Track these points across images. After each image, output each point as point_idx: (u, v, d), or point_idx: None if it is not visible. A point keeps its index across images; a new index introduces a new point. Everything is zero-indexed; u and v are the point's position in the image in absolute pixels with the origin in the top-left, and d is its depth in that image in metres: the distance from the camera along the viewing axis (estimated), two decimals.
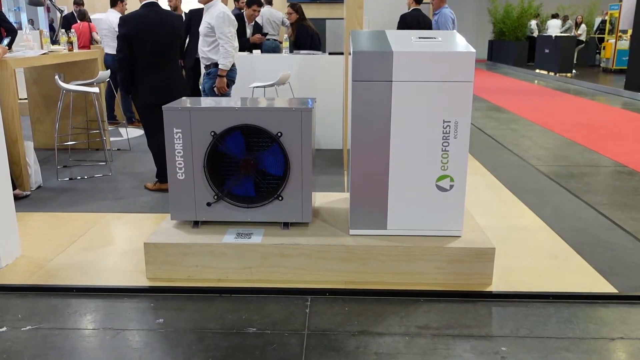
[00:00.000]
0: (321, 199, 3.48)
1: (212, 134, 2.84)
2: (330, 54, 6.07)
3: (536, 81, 14.24)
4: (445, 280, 2.77)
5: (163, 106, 2.84)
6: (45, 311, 2.56)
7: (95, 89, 4.71)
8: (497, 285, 2.76)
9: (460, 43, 2.76)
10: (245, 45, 6.75)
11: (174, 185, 2.92)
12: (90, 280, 2.82)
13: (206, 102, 3.00)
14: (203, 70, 5.31)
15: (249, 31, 7.21)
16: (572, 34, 16.24)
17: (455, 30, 3.01)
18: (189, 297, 2.69)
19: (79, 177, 4.76)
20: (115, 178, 4.74)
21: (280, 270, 2.79)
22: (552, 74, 15.02)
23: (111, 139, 6.34)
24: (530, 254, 3.16)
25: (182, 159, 2.89)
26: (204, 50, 5.16)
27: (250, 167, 2.87)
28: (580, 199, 4.22)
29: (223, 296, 2.69)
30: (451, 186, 2.79)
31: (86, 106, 5.65)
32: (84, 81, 5.33)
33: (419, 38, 2.83)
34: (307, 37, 7.41)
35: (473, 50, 2.64)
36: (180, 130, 2.85)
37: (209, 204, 2.94)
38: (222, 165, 2.91)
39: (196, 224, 2.98)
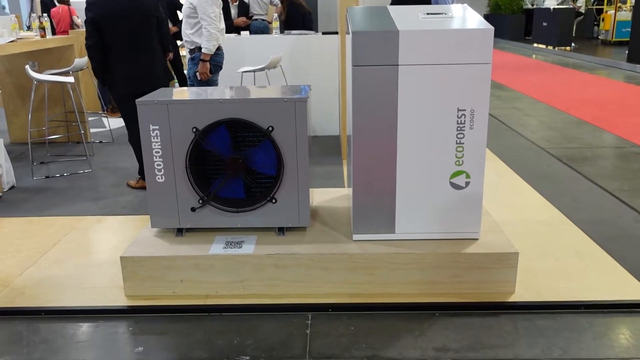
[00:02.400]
0: (319, 196, 3.15)
1: (194, 130, 2.49)
2: (323, 33, 5.68)
3: (534, 55, 13.86)
4: (463, 290, 2.45)
5: (137, 100, 2.48)
6: (7, 340, 2.24)
7: (70, 79, 4.32)
8: (521, 293, 2.45)
9: (475, 19, 2.40)
10: (230, 28, 6.36)
11: (153, 190, 2.58)
12: (61, 300, 2.49)
13: (187, 93, 2.65)
14: (188, 55, 4.94)
15: (233, 11, 6.79)
16: (570, 5, 15.80)
17: (466, 5, 2.65)
18: (172, 317, 2.36)
19: (57, 175, 4.40)
20: (95, 175, 4.39)
21: (276, 283, 2.47)
22: (550, 47, 14.63)
23: (93, 130, 5.97)
24: (553, 252, 2.84)
25: (160, 160, 2.54)
26: (187, 33, 4.79)
27: (239, 166, 2.53)
28: (598, 185, 3.90)
29: (212, 315, 2.37)
30: (467, 183, 2.46)
31: (64, 96, 5.27)
32: (59, 70, 4.95)
33: (427, 14, 2.47)
34: (298, 16, 7.01)
35: (491, 27, 2.29)
36: (157, 127, 2.50)
37: (193, 209, 2.60)
38: (206, 166, 2.57)
39: (180, 231, 2.65)
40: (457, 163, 2.43)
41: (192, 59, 4.83)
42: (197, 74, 4.75)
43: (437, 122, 2.38)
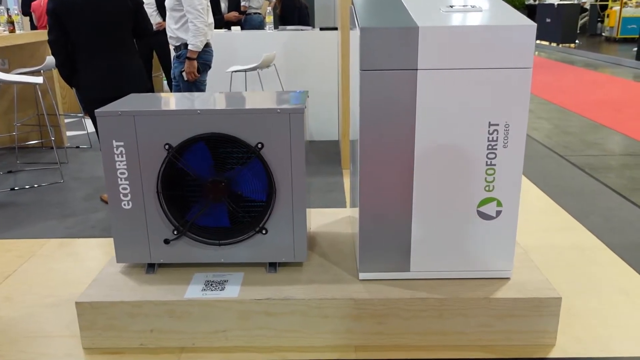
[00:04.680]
0: (317, 218, 2.71)
1: (167, 147, 2.04)
2: (321, 29, 5.23)
3: (537, 52, 13.44)
4: (492, 342, 2.02)
5: (96, 111, 2.03)
6: None
7: (38, 79, 3.86)
8: (564, 345, 2.03)
9: (511, 13, 1.97)
10: (220, 23, 5.90)
11: (118, 218, 2.14)
12: (4, 356, 2.05)
13: (159, 101, 2.20)
14: (173, 53, 4.49)
15: (223, 5, 6.32)
16: (576, 1, 15.38)
17: None
18: None
19: (26, 186, 3.95)
20: (67, 186, 3.93)
21: (267, 334, 2.04)
22: (554, 44, 14.22)
23: (71, 133, 5.51)
24: (594, 288, 2.42)
25: (127, 183, 2.10)
26: (172, 29, 4.33)
27: (221, 190, 2.09)
28: (629, 201, 3.48)
29: None
30: (498, 212, 2.02)
31: (37, 98, 4.80)
32: (30, 68, 4.48)
33: (451, 7, 2.03)
34: (294, 10, 6.55)
35: (532, 23, 1.85)
36: (122, 144, 2.05)
37: (167, 242, 2.16)
38: (182, 190, 2.12)
39: (151, 267, 2.20)
40: (487, 188, 2.00)
41: (177, 56, 4.38)
42: (184, 73, 4.30)
43: (464, 139, 1.94)
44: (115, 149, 2.05)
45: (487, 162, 1.97)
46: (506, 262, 2.08)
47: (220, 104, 2.11)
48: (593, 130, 5.41)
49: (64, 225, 3.23)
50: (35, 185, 3.96)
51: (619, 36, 14.49)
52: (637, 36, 12.13)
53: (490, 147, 1.95)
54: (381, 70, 1.87)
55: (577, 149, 4.72)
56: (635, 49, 11.18)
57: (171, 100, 2.21)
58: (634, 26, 14.25)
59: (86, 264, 2.75)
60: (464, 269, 2.09)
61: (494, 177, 1.98)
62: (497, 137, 1.94)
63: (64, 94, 6.20)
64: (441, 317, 2.00)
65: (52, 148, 4.91)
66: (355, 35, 2.04)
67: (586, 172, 4.06)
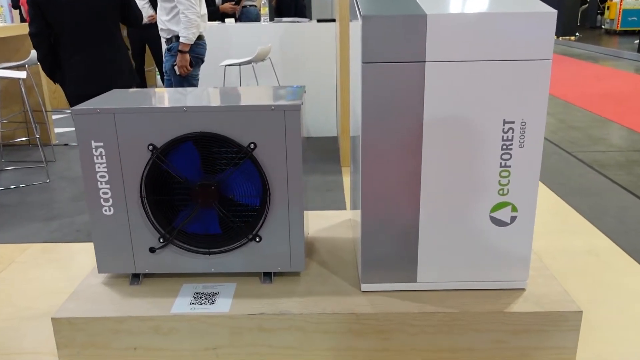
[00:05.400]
0: (315, 221, 2.54)
1: (151, 148, 1.87)
2: (318, 21, 5.04)
3: None
4: None
5: (72, 109, 1.86)
6: None
7: (22, 74, 3.67)
8: None
9: (528, 0, 1.79)
10: (215, 15, 5.71)
11: (99, 225, 1.96)
12: None
13: (143, 97, 2.02)
14: (164, 46, 4.31)
15: None
16: None
17: None
18: None
19: (11, 186, 3.77)
20: (53, 186, 3.75)
21: (261, 352, 1.87)
22: (554, 37, 14.03)
23: (60, 130, 5.32)
24: (613, 298, 2.26)
25: (107, 187, 1.92)
26: (163, 20, 4.15)
27: (211, 195, 1.91)
28: None
29: None
30: (513, 218, 1.86)
31: (25, 93, 4.61)
32: (14, 63, 4.29)
33: None
34: (290, 1, 6.35)
35: (553, 10, 1.67)
36: (101, 144, 1.87)
37: (152, 250, 1.99)
38: (169, 194, 1.95)
39: (136, 278, 2.03)
40: (501, 192, 1.83)
41: (168, 50, 4.20)
42: (175, 67, 4.12)
43: (476, 138, 1.77)
44: (94, 150, 1.88)
45: (501, 163, 1.79)
46: (521, 272, 1.91)
47: (209, 100, 1.93)
48: (598, 124, 5.25)
49: (48, 229, 3.05)
50: (20, 185, 3.77)
51: (619, 28, 14.31)
52: (638, 28, 11.96)
53: (504, 147, 1.78)
54: (385, 63, 1.70)
55: (584, 144, 4.55)
56: (637, 41, 11.02)
57: (156, 97, 2.03)
58: (635, 18, 14.09)
59: (70, 271, 2.57)
60: (476, 280, 1.92)
61: (508, 180, 1.81)
62: (512, 136, 1.77)
63: (53, 89, 6.01)
64: (451, 333, 1.84)
65: (42, 146, 4.72)
66: (356, 26, 1.86)
67: (595, 169, 3.90)
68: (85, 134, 1.86)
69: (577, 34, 13.75)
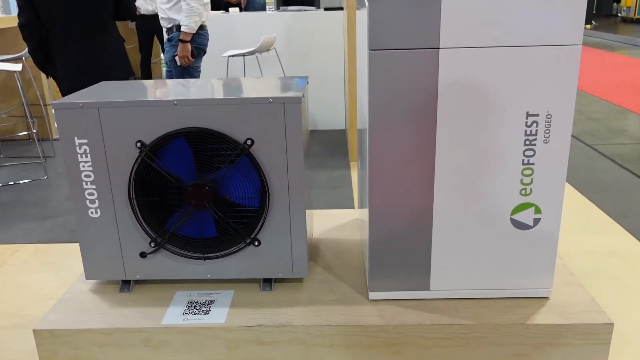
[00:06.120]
0: (321, 221, 2.38)
1: (139, 145, 1.72)
2: (326, 9, 4.86)
3: None
4: None
5: (52, 103, 1.71)
6: None
7: (17, 66, 3.54)
8: None
9: None
10: (219, 4, 5.54)
11: (85, 229, 1.82)
12: None
13: (131, 90, 1.87)
14: (165, 36, 4.16)
15: None
16: None
17: None
18: None
19: (10, 183, 3.64)
20: (49, 183, 3.62)
21: None
22: None
23: None
24: None
25: (93, 188, 1.77)
26: (163, 9, 4.00)
27: (205, 195, 1.76)
28: None
29: None
30: (536, 221, 1.68)
31: (22, 87, 4.48)
32: (11, 55, 4.16)
33: None
34: None
35: None
36: (85, 141, 1.72)
37: (143, 255, 1.84)
38: (160, 195, 1.80)
39: (126, 284, 1.89)
40: (523, 192, 1.65)
41: (169, 39, 4.05)
42: (176, 58, 3.97)
43: (496, 132, 1.59)
44: (77, 147, 1.73)
45: (523, 160, 1.62)
46: (545, 279, 1.74)
47: (202, 92, 1.77)
48: (618, 115, 5.03)
49: (42, 228, 2.92)
50: (18, 182, 3.65)
51: (636, 16, 13.96)
52: None
53: (528, 142, 1.60)
54: (394, 50, 1.53)
55: (605, 137, 4.35)
56: None
57: (145, 89, 1.87)
58: None
59: (62, 275, 2.44)
60: (495, 288, 1.76)
61: (531, 179, 1.64)
62: (536, 131, 1.59)
63: (54, 82, 5.88)
64: (468, 347, 1.68)
65: (41, 140, 4.60)
66: (363, 13, 1.69)
67: (618, 164, 3.70)
68: (68, 130, 1.71)
69: (592, 22, 13.42)
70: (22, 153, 4.31)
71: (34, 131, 3.74)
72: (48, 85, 4.63)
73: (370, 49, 1.53)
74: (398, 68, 1.54)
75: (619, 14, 15.17)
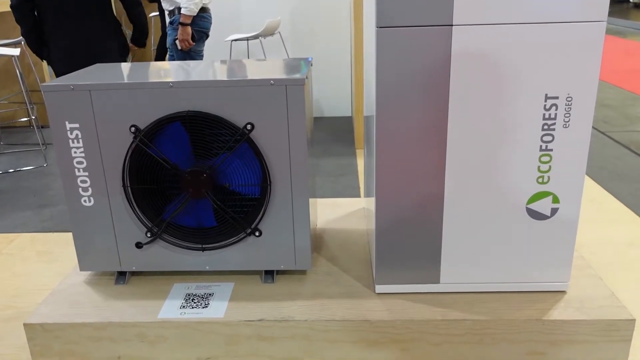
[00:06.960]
0: (326, 210, 2.29)
1: (133, 130, 1.63)
2: None
3: None
4: None
5: (42, 85, 1.62)
6: None
7: (15, 51, 3.45)
8: None
9: None
10: None
11: (78, 218, 1.74)
12: None
13: (125, 72, 1.77)
14: (167, 19, 4.05)
15: None
16: None
17: None
18: None
19: (10, 170, 3.57)
20: (49, 171, 3.55)
21: None
22: None
23: None
24: None
25: (85, 175, 1.69)
26: None
27: (203, 183, 1.67)
28: None
29: None
30: (554, 210, 1.58)
31: (20, 72, 4.40)
32: (10, 40, 4.07)
33: None
34: None
35: None
36: (76, 126, 1.64)
37: (139, 245, 1.76)
38: (156, 182, 1.71)
39: (122, 276, 1.81)
40: (541, 180, 1.55)
41: (171, 22, 3.95)
42: (177, 41, 3.87)
43: (512, 116, 1.49)
44: (69, 132, 1.64)
45: (541, 146, 1.52)
46: (562, 272, 1.64)
47: (199, 74, 1.67)
48: (632, 102, 4.89)
49: (39, 217, 2.85)
50: (17, 170, 3.58)
51: None
52: None
53: (546, 126, 1.50)
54: (404, 27, 1.42)
55: (620, 124, 4.22)
56: None
57: (140, 72, 1.78)
58: None
59: (58, 265, 2.37)
60: (509, 281, 1.66)
61: (549, 166, 1.54)
62: (555, 114, 1.49)
63: None
64: (481, 343, 1.59)
65: (43, 127, 4.52)
66: None
67: (633, 151, 3.58)
68: (59, 114, 1.62)
69: None
70: (22, 140, 4.23)
71: (34, 117, 3.66)
72: (50, 71, 4.54)
73: (378, 27, 1.43)
74: (408, 47, 1.44)
75: (631, 0, 14.90)
